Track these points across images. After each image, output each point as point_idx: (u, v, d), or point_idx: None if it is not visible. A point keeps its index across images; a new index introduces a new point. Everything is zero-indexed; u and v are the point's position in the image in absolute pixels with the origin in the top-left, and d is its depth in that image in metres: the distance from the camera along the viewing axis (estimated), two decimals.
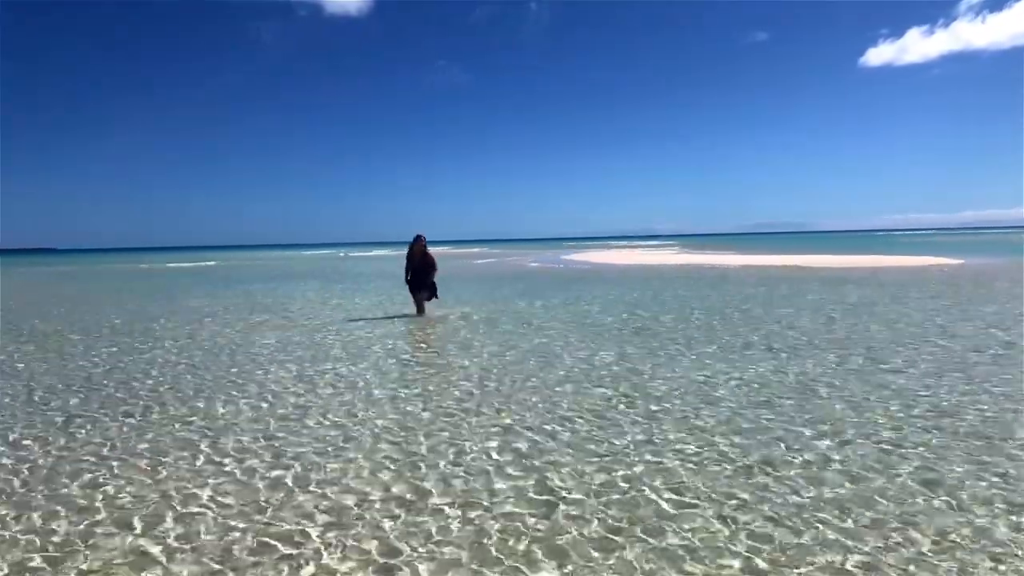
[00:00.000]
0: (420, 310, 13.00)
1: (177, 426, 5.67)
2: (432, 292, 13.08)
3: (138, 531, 3.62)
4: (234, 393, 6.84)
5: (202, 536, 3.54)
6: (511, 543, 3.39)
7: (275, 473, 4.46)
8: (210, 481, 4.34)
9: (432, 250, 12.93)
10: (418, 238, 12.87)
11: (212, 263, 54.73)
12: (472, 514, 3.73)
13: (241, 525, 3.66)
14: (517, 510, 3.78)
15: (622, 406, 5.96)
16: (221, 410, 6.15)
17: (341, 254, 78.00)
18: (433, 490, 4.11)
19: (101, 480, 4.42)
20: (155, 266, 50.52)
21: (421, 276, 12.90)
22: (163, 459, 4.79)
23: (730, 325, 10.77)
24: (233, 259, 66.61)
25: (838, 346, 8.65)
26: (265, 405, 6.31)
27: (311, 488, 4.19)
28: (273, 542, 3.45)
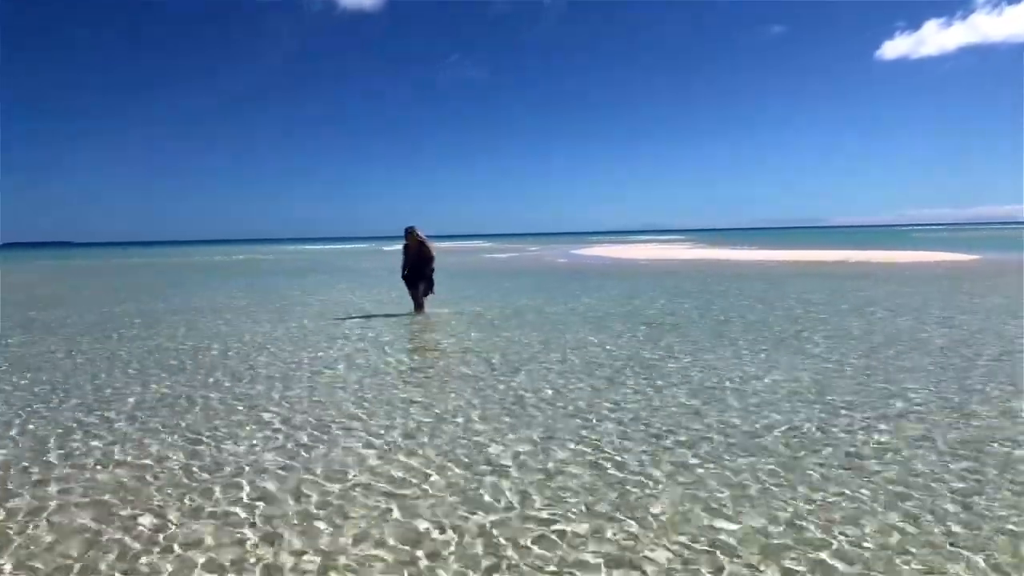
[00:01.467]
0: (419, 307, 12.57)
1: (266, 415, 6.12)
2: (429, 286, 12.68)
3: (217, 492, 4.03)
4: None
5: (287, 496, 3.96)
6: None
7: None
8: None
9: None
10: (410, 231, 12.48)
11: (254, 257, 55.34)
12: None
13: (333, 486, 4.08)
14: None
15: None
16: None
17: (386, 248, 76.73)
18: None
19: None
20: (189, 260, 51.08)
21: (419, 269, 12.56)
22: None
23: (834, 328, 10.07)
24: (269, 253, 66.64)
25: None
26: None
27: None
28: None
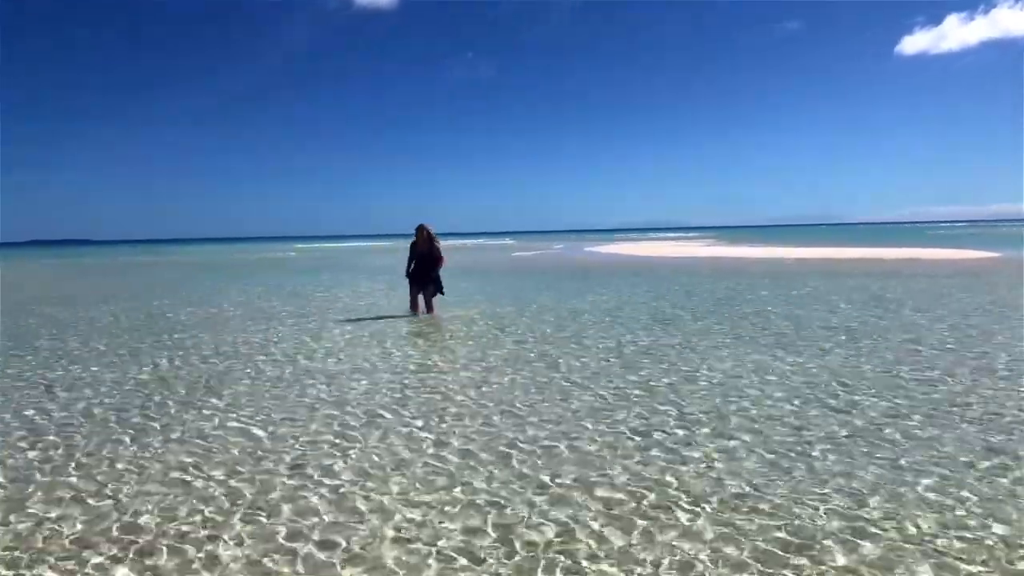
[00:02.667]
0: (417, 308, 12.19)
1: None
2: (437, 287, 12.24)
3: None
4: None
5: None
6: None
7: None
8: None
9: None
10: (421, 228, 12.13)
11: (277, 255, 55.86)
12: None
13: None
14: None
15: None
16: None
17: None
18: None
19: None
20: (213, 259, 51.45)
21: (426, 269, 12.12)
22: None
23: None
24: (288, 251, 66.45)
25: None
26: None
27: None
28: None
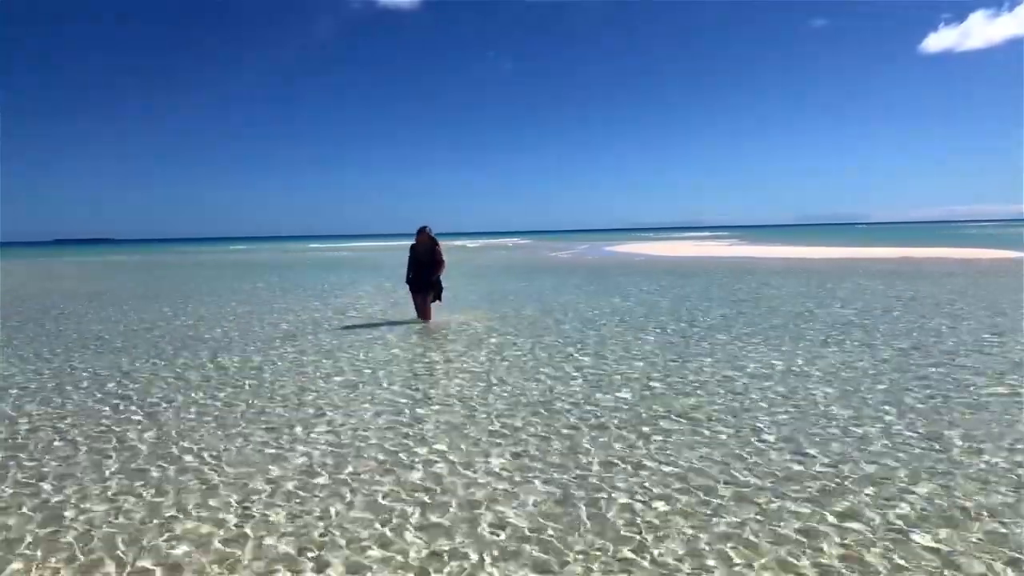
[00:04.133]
0: (422, 314, 11.60)
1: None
2: (437, 292, 11.74)
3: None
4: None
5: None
6: None
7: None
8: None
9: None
10: (422, 230, 11.63)
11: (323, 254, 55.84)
12: None
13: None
14: None
15: None
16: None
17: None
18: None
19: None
20: (252, 258, 51.44)
21: (425, 273, 11.59)
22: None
23: None
24: (327, 249, 66.51)
25: None
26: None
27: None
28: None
